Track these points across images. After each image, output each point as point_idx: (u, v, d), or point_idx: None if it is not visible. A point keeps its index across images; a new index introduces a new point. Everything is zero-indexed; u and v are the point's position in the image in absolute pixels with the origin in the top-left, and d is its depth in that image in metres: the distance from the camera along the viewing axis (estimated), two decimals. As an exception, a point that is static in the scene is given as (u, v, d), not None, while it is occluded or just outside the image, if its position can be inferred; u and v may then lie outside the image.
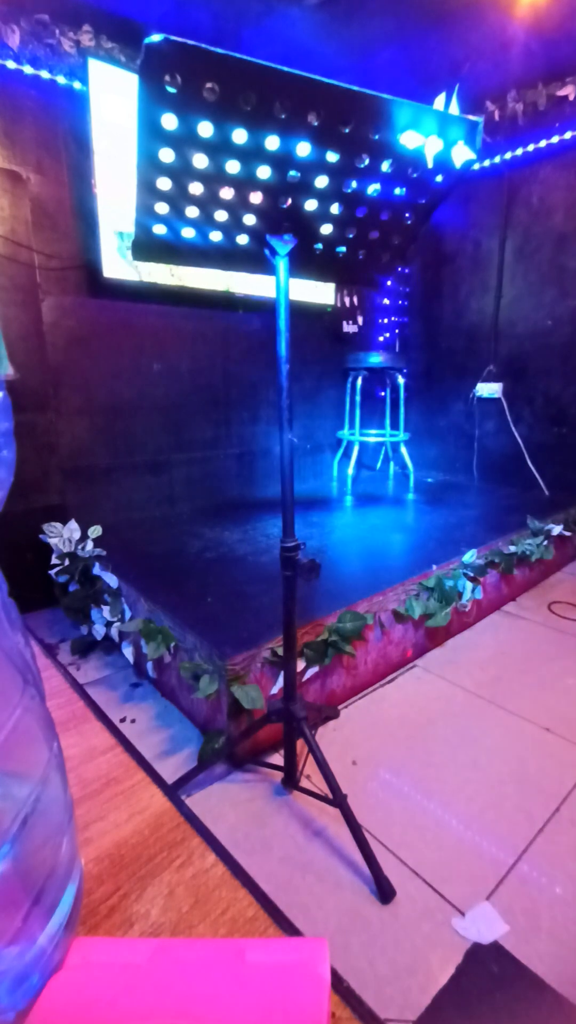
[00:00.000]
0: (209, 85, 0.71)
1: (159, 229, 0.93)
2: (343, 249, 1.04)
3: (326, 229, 0.98)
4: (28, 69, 1.97)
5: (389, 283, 3.47)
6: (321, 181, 0.88)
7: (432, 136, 0.83)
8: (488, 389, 3.27)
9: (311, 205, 0.92)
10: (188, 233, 0.95)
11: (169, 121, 0.75)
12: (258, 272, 1.07)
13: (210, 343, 2.72)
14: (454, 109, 0.85)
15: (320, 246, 1.02)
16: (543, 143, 2.81)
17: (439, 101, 0.85)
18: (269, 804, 1.23)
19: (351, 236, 1.01)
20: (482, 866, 1.08)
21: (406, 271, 3.52)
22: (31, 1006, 0.37)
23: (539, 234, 2.97)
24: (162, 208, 0.88)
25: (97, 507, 2.44)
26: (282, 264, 0.97)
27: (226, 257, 1.02)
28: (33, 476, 2.23)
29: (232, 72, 0.70)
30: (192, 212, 0.90)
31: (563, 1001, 0.84)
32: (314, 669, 1.49)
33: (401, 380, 3.26)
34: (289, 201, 0.91)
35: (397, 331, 3.58)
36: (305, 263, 1.05)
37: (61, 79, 2.05)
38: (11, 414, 0.65)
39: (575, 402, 2.98)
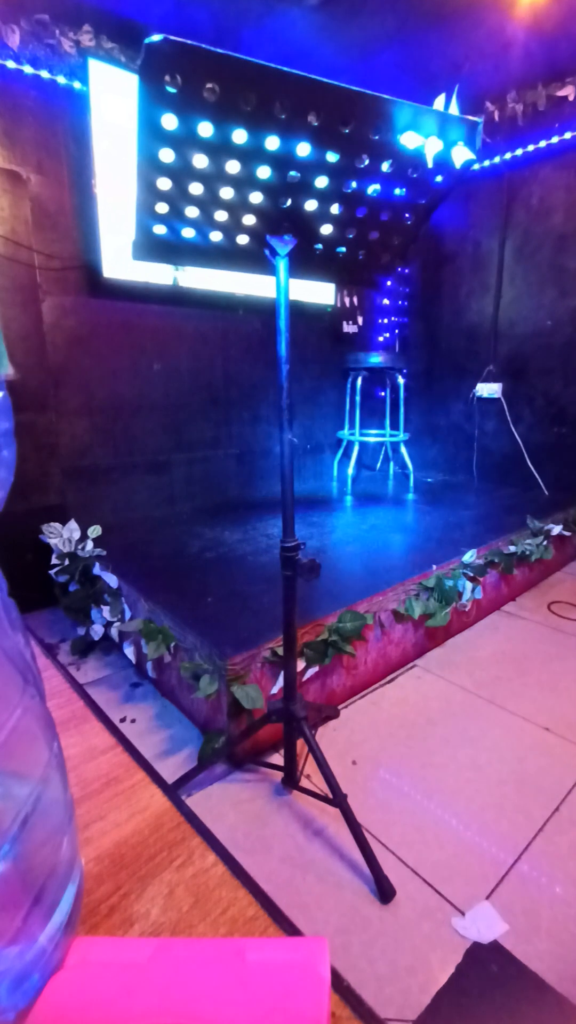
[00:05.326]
0: (209, 85, 0.71)
1: (159, 229, 0.93)
2: (343, 249, 1.04)
3: (326, 229, 0.98)
4: (28, 69, 1.98)
5: (389, 283, 3.47)
6: (321, 181, 0.88)
7: (432, 136, 0.83)
8: (488, 389, 3.27)
9: (311, 205, 0.92)
10: (188, 233, 0.95)
11: (169, 121, 0.75)
12: (258, 272, 1.07)
13: (210, 343, 2.72)
14: (454, 109, 0.85)
15: (320, 246, 1.02)
16: (543, 143, 2.81)
17: (439, 101, 0.85)
18: (269, 804, 1.23)
19: (351, 236, 1.01)
20: (482, 866, 1.08)
21: (406, 271, 3.52)
22: (31, 1006, 0.37)
23: (539, 234, 2.97)
24: (162, 208, 0.88)
25: (97, 507, 2.44)
26: (282, 264, 0.97)
27: (226, 257, 1.02)
28: (33, 476, 2.23)
29: (232, 72, 0.70)
30: (192, 212, 0.90)
31: (563, 1000, 0.84)
32: (314, 669, 1.49)
33: (401, 380, 3.26)
34: (289, 201, 0.91)
35: (397, 331, 3.58)
36: (305, 263, 1.05)
37: (61, 79, 2.05)
38: (11, 414, 0.65)
39: (575, 402, 2.98)
